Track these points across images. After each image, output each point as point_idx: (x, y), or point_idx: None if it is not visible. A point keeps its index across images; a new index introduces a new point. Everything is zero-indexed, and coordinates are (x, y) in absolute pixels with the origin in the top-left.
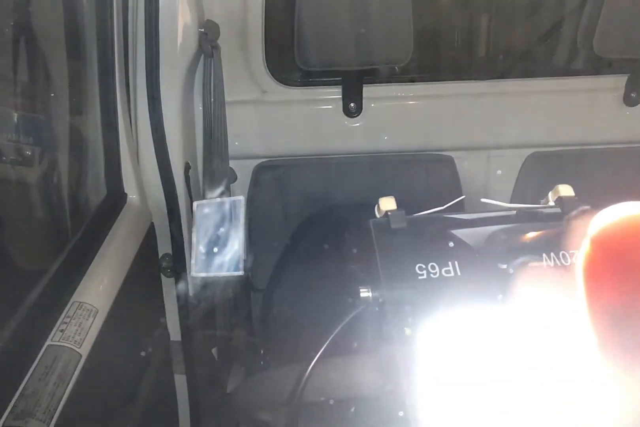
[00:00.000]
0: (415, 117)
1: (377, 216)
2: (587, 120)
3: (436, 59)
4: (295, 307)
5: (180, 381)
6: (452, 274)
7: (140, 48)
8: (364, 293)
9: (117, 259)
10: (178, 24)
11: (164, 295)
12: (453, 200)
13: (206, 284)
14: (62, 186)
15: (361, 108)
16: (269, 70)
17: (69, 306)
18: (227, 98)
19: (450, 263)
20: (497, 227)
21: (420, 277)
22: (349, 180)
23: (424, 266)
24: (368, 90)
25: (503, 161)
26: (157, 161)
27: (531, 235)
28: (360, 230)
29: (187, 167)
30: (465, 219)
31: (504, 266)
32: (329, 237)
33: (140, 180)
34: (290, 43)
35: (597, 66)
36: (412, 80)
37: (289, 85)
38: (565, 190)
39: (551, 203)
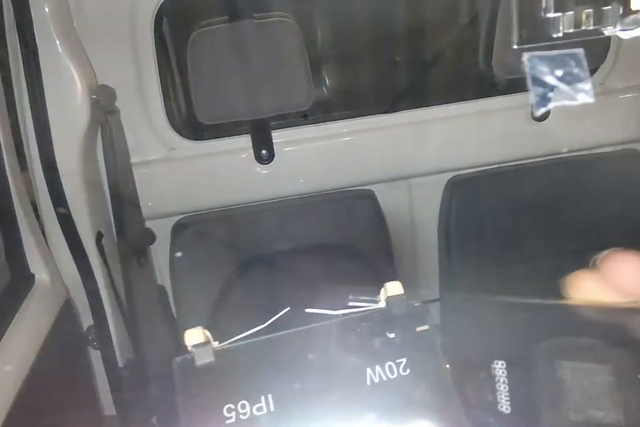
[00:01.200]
0: (330, 156)
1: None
2: (501, 139)
3: (342, 98)
4: None
5: None
6: (265, 411)
7: (28, 117)
8: None
9: (22, 349)
10: (67, 93)
11: (93, 368)
12: (378, 235)
13: (136, 350)
14: None
15: (273, 154)
16: (174, 128)
17: None
18: (134, 159)
19: (263, 398)
20: (317, 344)
21: (228, 421)
22: (273, 227)
23: (233, 407)
24: (278, 135)
25: (424, 188)
26: (65, 235)
27: (355, 348)
28: (293, 279)
29: (99, 236)
30: (284, 341)
31: (324, 394)
32: (259, 289)
33: (48, 258)
34: (190, 99)
35: (503, 86)
36: (322, 121)
37: (197, 139)
38: (394, 288)
39: (382, 303)
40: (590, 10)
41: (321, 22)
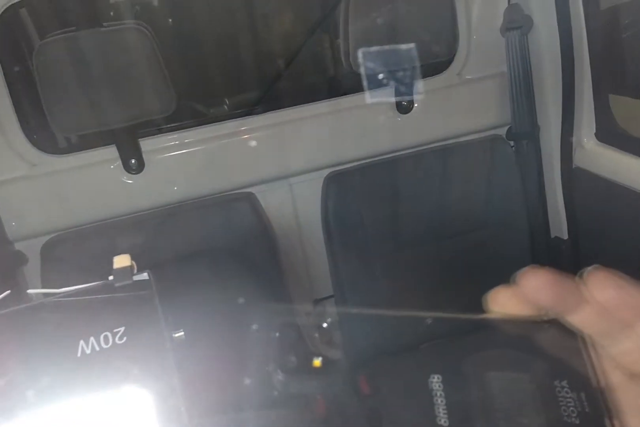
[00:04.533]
0: (204, 161)
1: None
2: (371, 134)
3: (208, 100)
4: None
5: None
6: None
7: None
8: None
9: None
10: None
11: None
12: (263, 238)
13: None
14: None
15: (143, 163)
16: (33, 142)
17: None
18: None
19: None
20: (33, 322)
21: None
22: (151, 238)
23: None
24: (146, 144)
25: (304, 186)
26: None
27: (70, 322)
28: (177, 291)
29: None
30: None
31: (34, 375)
32: None
33: None
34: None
35: (367, 82)
36: (190, 126)
37: (59, 153)
38: (121, 260)
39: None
40: None
41: (183, 30)
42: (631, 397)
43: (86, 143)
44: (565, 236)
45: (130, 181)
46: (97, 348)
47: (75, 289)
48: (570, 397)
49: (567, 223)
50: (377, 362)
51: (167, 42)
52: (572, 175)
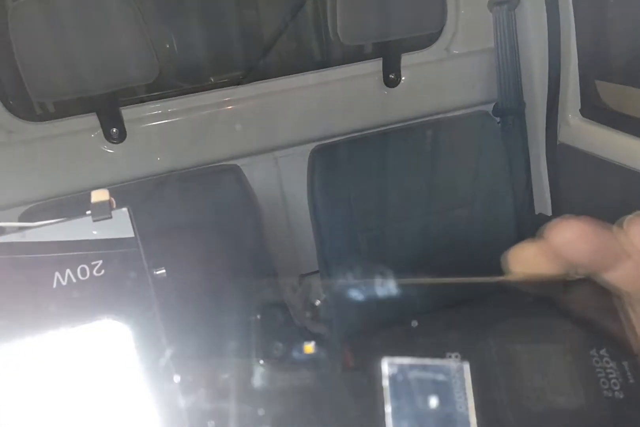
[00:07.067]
0: (188, 131)
1: None
2: (357, 107)
3: (191, 70)
4: None
5: None
6: None
7: None
8: None
9: None
10: None
11: None
12: (248, 211)
13: None
14: None
15: (125, 132)
16: (9, 109)
17: None
18: None
19: None
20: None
21: None
22: (131, 210)
23: None
24: (128, 113)
25: (290, 160)
26: None
27: (44, 254)
28: (160, 264)
29: None
30: None
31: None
32: None
33: None
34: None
35: (353, 53)
36: (174, 95)
37: (38, 120)
38: (99, 195)
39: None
40: None
41: None
42: None
43: (65, 110)
44: (550, 213)
45: (111, 151)
46: (74, 280)
47: (50, 223)
48: (610, 368)
49: (551, 200)
50: (367, 336)
51: (151, 7)
52: (556, 151)
